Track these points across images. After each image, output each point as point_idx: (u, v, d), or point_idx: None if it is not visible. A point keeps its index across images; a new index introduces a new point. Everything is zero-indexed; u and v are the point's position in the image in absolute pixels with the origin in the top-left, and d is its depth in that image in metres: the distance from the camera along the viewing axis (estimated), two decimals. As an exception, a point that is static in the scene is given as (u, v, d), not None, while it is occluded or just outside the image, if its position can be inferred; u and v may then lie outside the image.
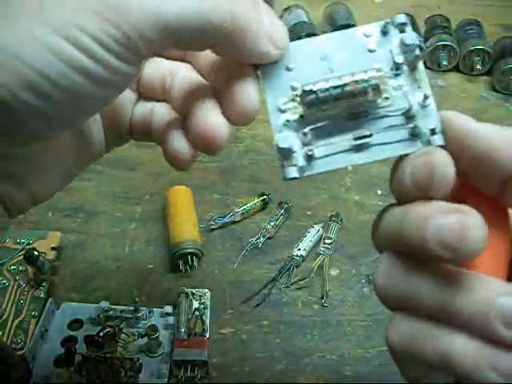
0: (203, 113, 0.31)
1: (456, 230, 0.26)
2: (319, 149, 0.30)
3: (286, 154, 0.30)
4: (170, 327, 0.44)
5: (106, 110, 0.33)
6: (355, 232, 0.53)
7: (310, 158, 0.30)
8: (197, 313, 0.44)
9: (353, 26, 0.72)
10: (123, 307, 0.44)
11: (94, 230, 0.52)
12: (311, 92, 0.30)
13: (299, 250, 0.51)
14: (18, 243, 0.48)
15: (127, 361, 0.40)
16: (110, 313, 0.44)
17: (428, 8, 0.79)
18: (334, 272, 0.50)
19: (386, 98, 0.30)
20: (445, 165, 0.27)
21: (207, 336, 0.43)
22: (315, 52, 0.31)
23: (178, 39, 0.27)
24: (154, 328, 0.42)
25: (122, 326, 0.43)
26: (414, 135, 0.30)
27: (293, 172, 0.30)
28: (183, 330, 0.43)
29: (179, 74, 0.34)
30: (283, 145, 0.31)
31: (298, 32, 0.71)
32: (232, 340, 0.45)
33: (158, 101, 0.35)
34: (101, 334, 0.41)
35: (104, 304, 0.44)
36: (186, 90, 0.33)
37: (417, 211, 0.28)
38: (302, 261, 0.50)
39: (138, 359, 0.41)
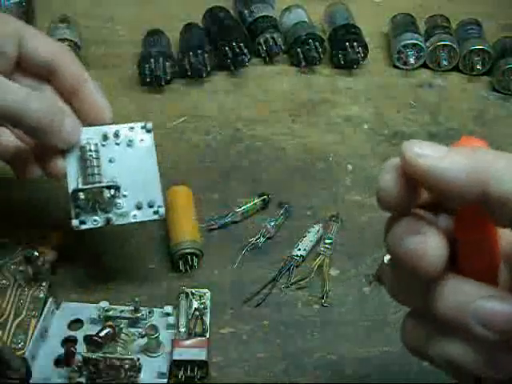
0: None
1: (415, 252, 0.28)
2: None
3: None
4: (170, 327, 0.44)
5: None
6: (355, 232, 0.53)
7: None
8: (197, 313, 0.44)
9: (352, 26, 0.72)
10: (123, 307, 0.44)
11: (94, 229, 0.52)
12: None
13: (299, 250, 0.51)
14: (18, 243, 0.48)
15: (127, 361, 0.40)
16: (110, 313, 0.44)
17: (428, 8, 0.79)
18: (333, 272, 0.50)
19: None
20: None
21: (207, 336, 0.43)
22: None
23: None
24: (154, 328, 0.42)
25: (122, 325, 0.43)
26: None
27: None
28: (183, 329, 0.43)
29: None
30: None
31: (298, 32, 0.71)
32: (232, 340, 0.45)
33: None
34: (101, 333, 0.41)
35: (104, 304, 0.44)
36: None
37: (394, 230, 0.30)
38: (302, 261, 0.50)
39: (138, 359, 0.41)
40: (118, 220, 0.45)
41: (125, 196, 0.45)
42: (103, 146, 0.45)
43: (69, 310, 0.45)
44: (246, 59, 0.69)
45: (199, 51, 0.67)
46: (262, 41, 0.71)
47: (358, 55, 0.70)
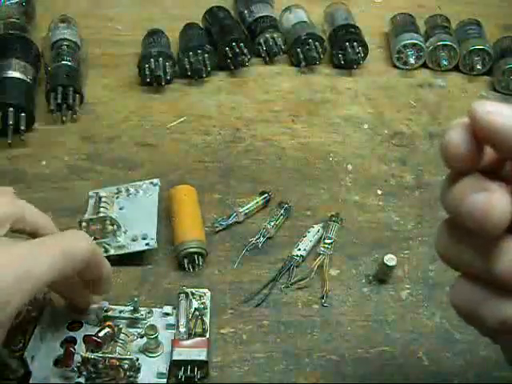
0: None
1: (480, 209, 0.28)
2: None
3: None
4: (169, 327, 0.44)
5: None
6: (355, 232, 0.53)
7: None
8: (197, 313, 0.44)
9: (352, 26, 0.72)
10: (123, 307, 0.44)
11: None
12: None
13: (299, 249, 0.51)
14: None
15: (126, 361, 0.40)
16: (110, 313, 0.44)
17: (428, 8, 0.79)
18: (334, 272, 0.50)
19: None
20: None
21: (207, 336, 0.43)
22: None
23: None
24: (153, 328, 0.42)
25: (121, 326, 0.43)
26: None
27: None
28: (183, 330, 0.43)
29: None
30: None
31: (298, 32, 0.71)
32: (232, 340, 0.45)
33: None
34: (100, 334, 0.41)
35: (103, 304, 0.44)
36: None
37: (456, 188, 0.30)
38: (302, 261, 0.50)
39: (137, 359, 0.41)
40: (116, 251, 0.49)
41: (125, 233, 0.50)
42: (117, 198, 0.54)
43: (68, 311, 0.45)
44: (246, 59, 0.69)
45: (199, 51, 0.67)
46: (262, 41, 0.71)
47: (358, 55, 0.70)
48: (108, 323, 0.42)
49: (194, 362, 0.41)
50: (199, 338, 0.42)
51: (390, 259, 0.48)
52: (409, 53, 0.71)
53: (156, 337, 0.42)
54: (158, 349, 0.42)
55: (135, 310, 0.44)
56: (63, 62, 0.64)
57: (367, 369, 0.44)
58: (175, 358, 0.41)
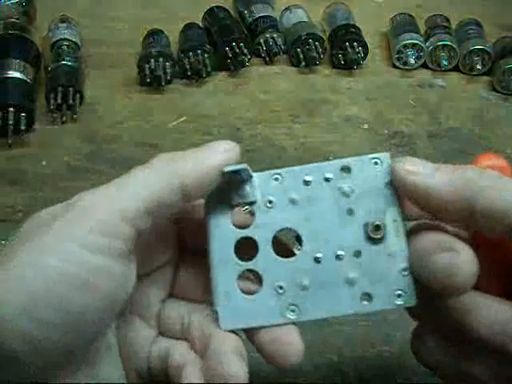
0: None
1: (445, 268, 0.27)
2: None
3: None
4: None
5: (123, 351, 0.32)
6: (355, 232, 0.53)
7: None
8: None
9: (352, 26, 0.72)
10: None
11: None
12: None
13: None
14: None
15: None
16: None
17: (428, 8, 0.79)
18: (333, 272, 0.50)
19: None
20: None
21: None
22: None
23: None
24: None
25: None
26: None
27: None
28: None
29: (196, 313, 0.33)
30: None
31: (298, 32, 0.71)
32: (232, 340, 0.45)
33: (177, 339, 0.33)
34: None
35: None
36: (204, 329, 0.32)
37: (420, 244, 0.29)
38: (302, 261, 0.50)
39: None
40: None
41: None
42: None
43: None
44: (246, 59, 0.69)
45: (199, 51, 0.67)
46: (262, 41, 0.71)
47: (358, 55, 0.70)
48: None
49: None
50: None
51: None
52: (409, 53, 0.71)
53: None
54: None
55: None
56: (63, 62, 0.64)
57: (367, 369, 0.44)
58: None
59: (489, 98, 0.68)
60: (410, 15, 0.75)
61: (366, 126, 0.64)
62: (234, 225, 0.32)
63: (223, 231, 0.32)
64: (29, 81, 0.62)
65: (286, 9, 0.75)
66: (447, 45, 0.70)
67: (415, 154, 0.61)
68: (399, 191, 0.30)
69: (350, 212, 0.31)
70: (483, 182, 0.27)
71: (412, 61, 0.71)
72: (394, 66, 0.72)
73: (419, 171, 0.29)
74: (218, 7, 0.74)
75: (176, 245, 0.34)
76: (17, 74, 0.61)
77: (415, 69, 0.72)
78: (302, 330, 0.46)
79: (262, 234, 0.32)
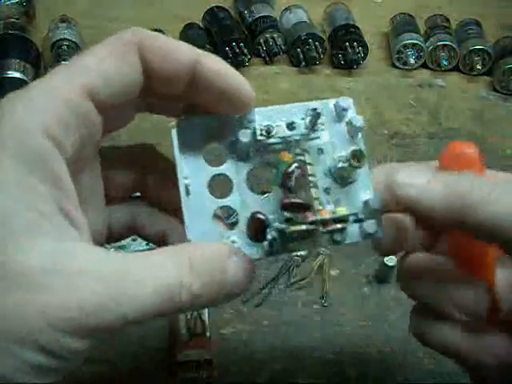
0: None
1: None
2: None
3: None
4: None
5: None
6: (355, 232, 0.53)
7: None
8: (195, 313, 0.44)
9: (352, 26, 0.72)
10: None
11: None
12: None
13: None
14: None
15: None
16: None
17: (428, 8, 0.79)
18: (334, 272, 0.50)
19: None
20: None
21: (208, 335, 0.43)
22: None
23: None
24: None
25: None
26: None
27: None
28: (183, 330, 0.43)
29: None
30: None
31: (298, 32, 0.71)
32: (232, 340, 0.45)
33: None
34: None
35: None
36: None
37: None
38: (302, 261, 0.50)
39: None
40: None
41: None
42: None
43: None
44: (246, 59, 0.69)
45: (199, 51, 0.67)
46: (261, 41, 0.71)
47: (358, 55, 0.70)
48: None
49: (197, 361, 0.41)
50: (202, 338, 0.42)
51: (390, 259, 0.48)
52: (409, 53, 0.71)
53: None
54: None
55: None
56: (63, 62, 0.65)
57: (367, 369, 0.44)
58: (180, 359, 0.41)
59: (489, 97, 0.68)
60: (410, 15, 0.75)
61: (366, 126, 0.64)
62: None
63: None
64: (29, 81, 0.62)
65: (286, 9, 0.75)
66: (447, 45, 0.70)
67: (415, 154, 0.61)
68: (388, 199, 0.30)
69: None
70: (475, 197, 0.28)
71: (412, 61, 0.71)
72: (394, 66, 0.72)
73: (412, 183, 0.30)
74: (217, 7, 0.74)
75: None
76: (17, 74, 0.61)
77: (415, 69, 0.72)
78: (303, 329, 0.46)
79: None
